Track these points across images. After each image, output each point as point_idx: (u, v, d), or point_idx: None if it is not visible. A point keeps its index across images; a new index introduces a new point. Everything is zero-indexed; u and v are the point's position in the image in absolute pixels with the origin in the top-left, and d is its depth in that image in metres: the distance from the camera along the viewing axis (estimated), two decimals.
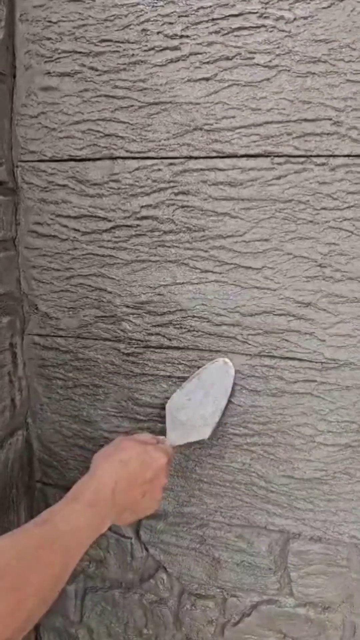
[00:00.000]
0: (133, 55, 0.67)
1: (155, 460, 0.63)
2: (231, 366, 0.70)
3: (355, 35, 0.60)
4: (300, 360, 0.69)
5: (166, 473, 0.65)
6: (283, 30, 0.62)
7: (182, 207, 0.68)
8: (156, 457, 0.64)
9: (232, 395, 0.71)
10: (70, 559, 0.52)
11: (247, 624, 0.78)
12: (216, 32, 0.64)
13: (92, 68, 0.68)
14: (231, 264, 0.69)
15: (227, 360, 0.70)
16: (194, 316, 0.71)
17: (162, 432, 0.72)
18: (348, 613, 0.74)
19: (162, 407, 0.75)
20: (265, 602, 0.77)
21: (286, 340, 0.69)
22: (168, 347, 0.73)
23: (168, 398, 0.73)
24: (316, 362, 0.68)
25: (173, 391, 0.73)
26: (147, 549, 0.81)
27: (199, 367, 0.72)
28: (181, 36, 0.65)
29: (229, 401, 0.71)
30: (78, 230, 0.73)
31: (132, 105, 0.68)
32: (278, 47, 0.62)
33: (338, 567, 0.73)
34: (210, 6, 0.63)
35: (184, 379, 0.73)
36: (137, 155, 0.69)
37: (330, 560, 0.73)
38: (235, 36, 0.63)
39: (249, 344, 0.70)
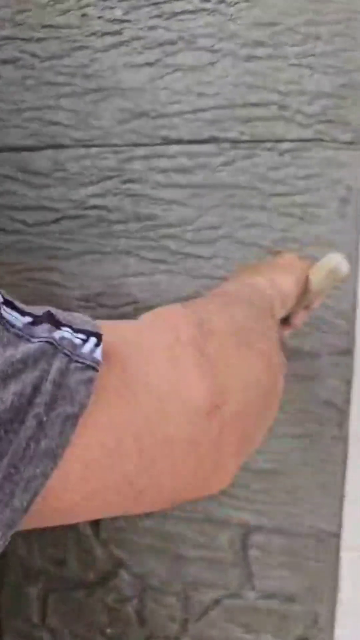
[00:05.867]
0: (75, 41, 0.65)
1: None
2: None
3: (297, 18, 0.59)
4: None
5: None
6: (225, 14, 0.61)
7: (130, 195, 0.67)
8: None
9: None
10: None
11: (211, 619, 0.77)
12: (158, 16, 0.62)
13: (34, 55, 0.67)
14: (182, 253, 0.67)
15: None
16: (146, 308, 0.70)
17: None
18: (310, 603, 0.73)
19: None
20: (227, 596, 0.76)
21: None
22: None
23: None
24: None
25: None
26: (107, 548, 0.80)
27: None
28: (122, 21, 0.63)
29: None
30: (25, 222, 0.71)
31: (75, 92, 0.66)
32: (220, 31, 0.61)
33: (299, 558, 0.72)
34: None
35: None
36: (82, 143, 0.67)
37: (291, 551, 0.72)
38: (178, 20, 0.62)
39: None
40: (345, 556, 0.70)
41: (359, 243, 0.63)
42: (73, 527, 0.80)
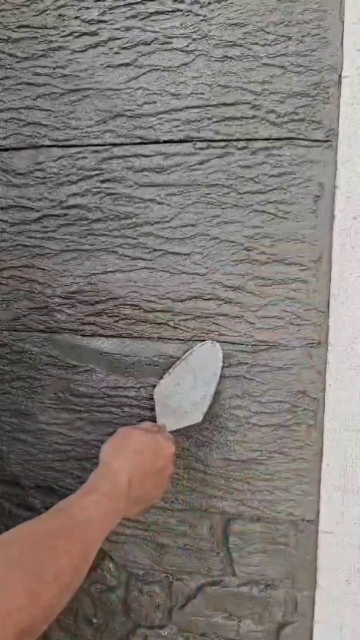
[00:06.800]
0: (52, 41, 0.66)
1: (165, 448, 0.64)
2: (219, 348, 0.69)
3: (268, 18, 0.61)
4: (231, 343, 0.70)
5: (174, 461, 0.66)
6: (198, 15, 0.62)
7: (109, 194, 0.68)
8: (166, 445, 0.64)
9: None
10: (89, 548, 0.52)
11: (194, 606, 0.79)
12: (133, 17, 0.63)
13: (11, 55, 0.67)
14: (159, 250, 0.69)
15: (214, 342, 0.69)
16: (125, 304, 0.71)
17: (106, 422, 0.72)
18: (289, 589, 0.75)
19: (99, 397, 0.74)
20: (209, 584, 0.78)
21: (217, 324, 0.69)
22: (102, 336, 0.73)
23: (104, 388, 0.73)
24: (247, 345, 0.69)
25: (111, 380, 0.73)
26: None
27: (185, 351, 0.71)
28: (99, 21, 0.64)
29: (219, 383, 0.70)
30: (6, 222, 0.72)
31: (53, 93, 0.67)
32: (194, 32, 0.62)
33: (278, 545, 0.74)
34: None
35: (118, 367, 0.73)
36: (61, 143, 0.68)
37: (270, 538, 0.74)
38: (152, 21, 0.63)
39: (181, 329, 0.70)
40: (323, 542, 0.72)
41: (332, 239, 0.64)
42: None
